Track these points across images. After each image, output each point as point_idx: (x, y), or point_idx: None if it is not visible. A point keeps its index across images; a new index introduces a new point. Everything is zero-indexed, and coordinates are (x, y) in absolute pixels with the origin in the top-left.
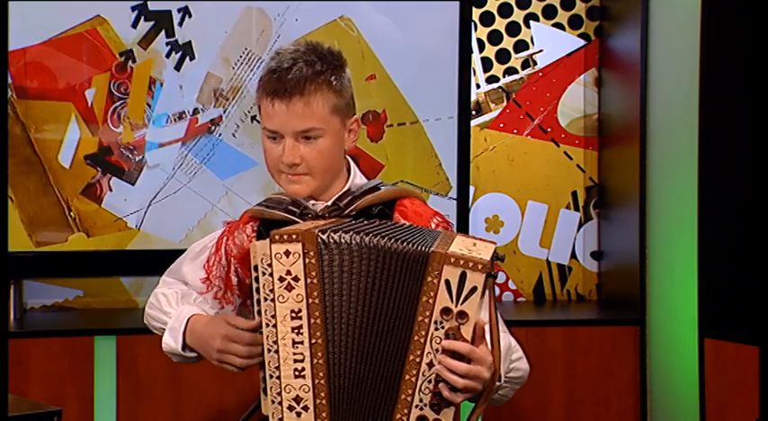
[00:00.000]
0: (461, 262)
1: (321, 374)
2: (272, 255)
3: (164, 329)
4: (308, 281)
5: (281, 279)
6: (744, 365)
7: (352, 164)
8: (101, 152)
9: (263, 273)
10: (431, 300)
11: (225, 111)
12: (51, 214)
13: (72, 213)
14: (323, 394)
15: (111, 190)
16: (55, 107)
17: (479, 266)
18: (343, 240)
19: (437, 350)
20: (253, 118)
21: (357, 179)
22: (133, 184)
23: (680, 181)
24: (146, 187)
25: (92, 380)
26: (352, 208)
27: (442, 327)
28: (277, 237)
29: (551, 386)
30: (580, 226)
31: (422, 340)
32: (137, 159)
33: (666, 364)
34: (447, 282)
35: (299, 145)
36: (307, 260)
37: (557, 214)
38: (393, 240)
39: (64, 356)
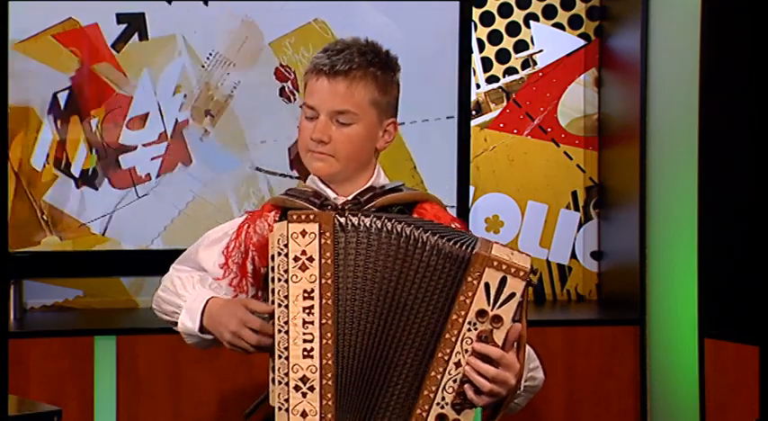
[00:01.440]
0: (503, 266)
1: (329, 355)
2: (289, 235)
3: (176, 312)
4: (323, 261)
5: (296, 259)
6: (744, 365)
7: (378, 163)
8: (73, 155)
9: (279, 254)
10: (467, 301)
11: (193, 116)
12: (23, 217)
13: (44, 216)
14: (330, 375)
15: (82, 193)
16: (26, 111)
17: (521, 273)
18: (361, 224)
19: (466, 350)
20: (206, 112)
21: (381, 179)
22: (97, 189)
23: (680, 181)
24: (114, 191)
25: (92, 380)
26: (372, 204)
27: (475, 329)
28: (294, 217)
29: (551, 386)
30: (580, 226)
31: (453, 339)
32: (110, 162)
33: (666, 364)
34: (486, 285)
35: (331, 125)
36: (322, 240)
37: (557, 214)
38: (429, 233)
39: (64, 356)
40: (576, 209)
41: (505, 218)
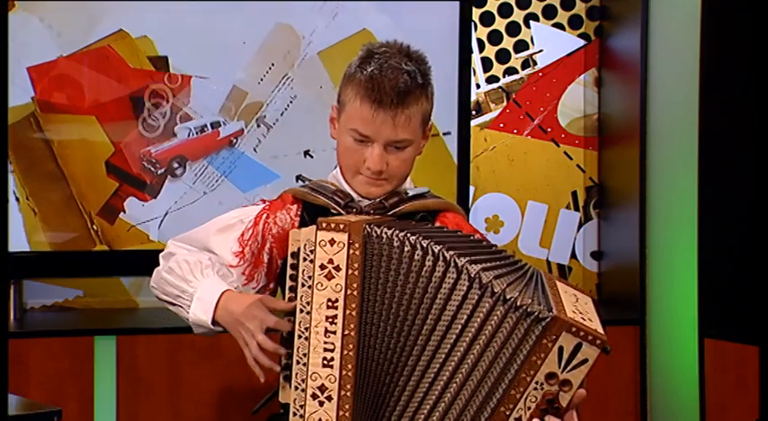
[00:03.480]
0: (581, 333)
1: (350, 366)
2: (317, 242)
3: (180, 297)
4: (350, 272)
5: (323, 266)
6: (744, 365)
7: None
8: (123, 165)
9: (305, 259)
10: (539, 362)
11: (247, 125)
12: (74, 227)
13: (95, 226)
14: (348, 386)
15: (132, 203)
16: (79, 120)
17: (597, 342)
18: (394, 238)
19: (529, 408)
20: (306, 152)
21: (407, 183)
22: (155, 197)
23: (680, 181)
24: (167, 199)
25: (92, 380)
26: (397, 210)
27: (542, 389)
28: (324, 225)
29: None
30: (580, 226)
31: (517, 396)
32: (159, 172)
33: (666, 364)
34: (560, 349)
35: (386, 153)
36: (351, 251)
37: (557, 214)
38: (478, 266)
39: (64, 356)
40: (576, 209)
41: (505, 218)
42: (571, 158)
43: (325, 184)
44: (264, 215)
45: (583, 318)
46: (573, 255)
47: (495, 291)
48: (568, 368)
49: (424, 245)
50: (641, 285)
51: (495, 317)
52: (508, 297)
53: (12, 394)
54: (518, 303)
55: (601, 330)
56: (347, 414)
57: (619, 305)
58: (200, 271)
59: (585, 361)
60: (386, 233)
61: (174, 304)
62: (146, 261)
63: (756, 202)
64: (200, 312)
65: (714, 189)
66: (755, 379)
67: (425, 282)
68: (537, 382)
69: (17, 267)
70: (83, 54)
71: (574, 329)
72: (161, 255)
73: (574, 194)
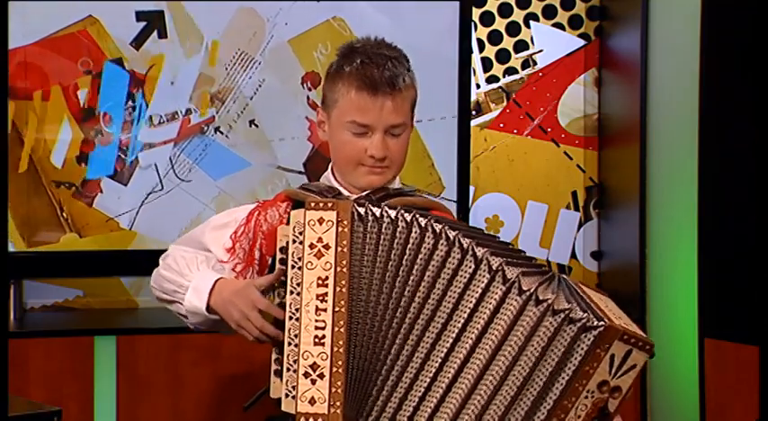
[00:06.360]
0: (632, 340)
1: (341, 343)
2: (306, 222)
3: (177, 292)
4: (339, 249)
5: (312, 246)
6: (744, 365)
7: None
8: (93, 152)
9: (294, 241)
10: (591, 371)
11: (217, 112)
12: (44, 215)
13: (65, 214)
14: (340, 362)
15: (102, 190)
16: (47, 107)
17: (647, 347)
18: (383, 214)
19: (579, 416)
20: (251, 122)
21: (395, 182)
22: (125, 185)
23: (680, 181)
24: (138, 187)
25: (92, 380)
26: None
27: (592, 397)
28: (312, 205)
29: None
30: (580, 226)
31: (569, 405)
32: (129, 160)
33: (666, 364)
34: (612, 357)
35: (387, 139)
36: (340, 228)
37: (557, 214)
38: (487, 251)
39: (64, 356)
40: (576, 209)
41: (505, 218)
42: (571, 158)
43: (317, 184)
44: (256, 213)
45: (626, 324)
46: (573, 255)
47: (524, 288)
48: (618, 374)
49: (437, 229)
50: (641, 285)
51: (528, 318)
52: (541, 298)
53: (12, 394)
54: (556, 307)
55: (650, 339)
56: (339, 390)
57: (619, 305)
58: (195, 265)
59: (634, 366)
60: (386, 212)
61: (172, 301)
62: (146, 261)
63: (756, 202)
64: (194, 299)
65: (714, 189)
66: (755, 379)
67: (438, 266)
68: (589, 391)
69: (17, 267)
70: (51, 40)
71: (625, 337)
72: (161, 257)
73: (574, 194)
